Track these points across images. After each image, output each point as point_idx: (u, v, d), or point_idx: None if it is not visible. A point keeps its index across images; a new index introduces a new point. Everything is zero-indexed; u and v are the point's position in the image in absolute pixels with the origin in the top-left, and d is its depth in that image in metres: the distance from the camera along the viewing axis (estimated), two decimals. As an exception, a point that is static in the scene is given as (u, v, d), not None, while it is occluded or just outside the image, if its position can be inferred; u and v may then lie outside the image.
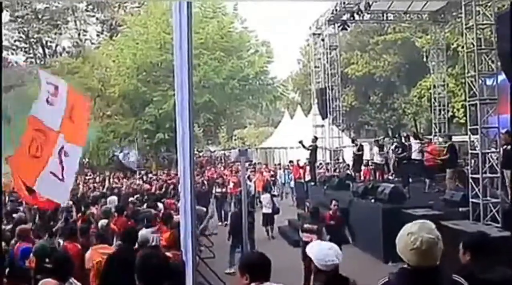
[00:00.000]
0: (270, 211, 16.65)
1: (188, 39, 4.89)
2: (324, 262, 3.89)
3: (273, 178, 26.06)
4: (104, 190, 18.25)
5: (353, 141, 20.85)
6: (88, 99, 8.30)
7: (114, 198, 12.46)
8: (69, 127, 7.42)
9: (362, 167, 21.27)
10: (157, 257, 4.18)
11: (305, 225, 10.29)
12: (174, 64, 4.97)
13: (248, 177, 21.37)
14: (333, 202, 12.82)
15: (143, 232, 8.03)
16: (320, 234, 9.76)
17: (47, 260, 6.07)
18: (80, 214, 11.42)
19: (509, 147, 11.75)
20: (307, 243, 8.70)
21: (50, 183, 7.07)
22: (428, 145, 16.95)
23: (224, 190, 20.49)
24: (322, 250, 3.93)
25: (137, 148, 35.85)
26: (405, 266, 3.18)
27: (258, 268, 3.76)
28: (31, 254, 6.89)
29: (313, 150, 20.62)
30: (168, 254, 6.60)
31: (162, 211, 11.42)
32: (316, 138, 21.17)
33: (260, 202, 17.56)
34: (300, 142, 20.53)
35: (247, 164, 13.56)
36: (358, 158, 20.03)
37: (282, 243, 15.63)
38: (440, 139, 21.17)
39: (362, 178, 20.63)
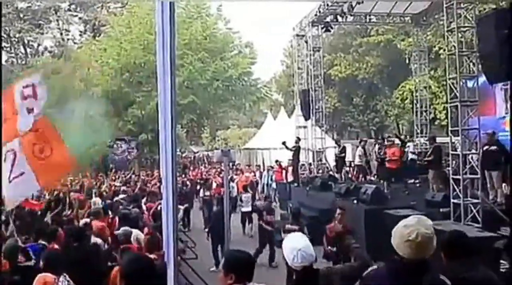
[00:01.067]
0: (249, 209, 16.91)
1: (171, 40, 4.88)
2: (292, 263, 3.82)
3: (255, 179, 25.99)
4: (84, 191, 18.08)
5: (336, 143, 20.90)
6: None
7: (97, 199, 12.34)
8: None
9: (345, 168, 21.35)
10: (143, 260, 4.13)
11: (287, 226, 10.38)
12: (156, 65, 4.97)
13: (231, 178, 21.40)
14: (338, 210, 9.93)
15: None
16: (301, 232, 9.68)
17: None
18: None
19: (493, 147, 11.88)
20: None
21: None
22: (389, 147, 16.81)
23: (208, 192, 20.34)
24: (291, 251, 3.83)
25: (121, 148, 35.56)
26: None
27: (244, 268, 3.65)
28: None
29: (296, 151, 20.65)
30: (151, 255, 6.60)
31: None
32: (299, 139, 21.22)
33: (241, 201, 17.67)
34: (283, 143, 20.54)
35: (230, 164, 13.73)
36: (340, 160, 20.11)
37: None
38: (422, 140, 21.36)
39: (344, 179, 20.70)
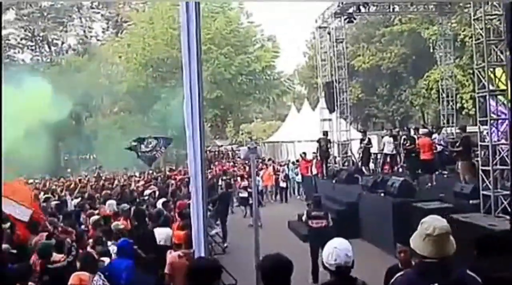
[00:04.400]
0: (246, 195, 19.67)
1: (197, 38, 4.87)
2: (327, 260, 3.83)
3: (278, 173, 25.94)
4: (114, 188, 18.24)
5: (363, 134, 20.73)
6: None
7: (112, 202, 12.42)
8: None
9: (371, 160, 21.19)
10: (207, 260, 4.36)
11: (313, 213, 11.27)
12: (181, 60, 4.96)
13: (256, 172, 21.45)
14: (399, 247, 6.68)
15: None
16: (327, 219, 11.04)
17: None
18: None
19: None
20: (317, 229, 10.95)
21: None
22: (421, 137, 16.64)
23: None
24: (328, 249, 3.85)
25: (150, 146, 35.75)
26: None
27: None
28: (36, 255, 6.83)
29: (325, 144, 20.69)
30: (178, 252, 6.63)
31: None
32: (326, 133, 21.22)
33: (240, 188, 20.97)
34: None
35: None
36: (366, 151, 19.93)
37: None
38: (449, 130, 21.07)
39: (371, 171, 20.53)
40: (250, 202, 18.48)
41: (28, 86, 15.09)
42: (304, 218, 11.54)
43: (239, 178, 22.63)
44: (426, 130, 18.07)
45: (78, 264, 6.44)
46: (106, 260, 6.93)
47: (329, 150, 21.30)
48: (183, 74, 4.93)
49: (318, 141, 21.22)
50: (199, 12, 4.83)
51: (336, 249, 3.77)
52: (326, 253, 3.83)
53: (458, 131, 18.99)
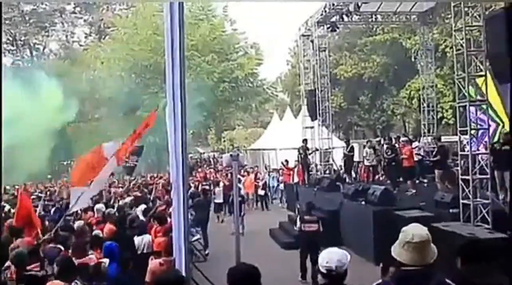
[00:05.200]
0: (221, 201, 20.84)
1: (180, 42, 4.85)
2: (320, 263, 3.85)
3: (258, 180, 25.92)
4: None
5: (345, 142, 20.86)
6: None
7: (101, 206, 12.30)
8: None
9: (353, 169, 21.32)
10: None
11: (305, 217, 11.80)
12: (164, 66, 4.94)
13: (238, 179, 21.53)
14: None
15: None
16: (318, 224, 11.63)
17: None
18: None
19: (506, 147, 11.79)
20: (309, 232, 11.54)
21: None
22: (403, 146, 16.87)
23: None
24: (324, 253, 3.87)
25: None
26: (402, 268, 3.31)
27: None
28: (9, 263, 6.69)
29: (304, 152, 20.76)
30: (159, 260, 6.57)
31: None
32: (305, 140, 21.30)
33: (215, 194, 21.33)
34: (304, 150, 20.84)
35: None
36: (349, 159, 20.04)
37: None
38: (428, 140, 21.25)
39: (353, 179, 20.65)
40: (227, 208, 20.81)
41: (9, 91, 14.94)
42: (298, 222, 11.97)
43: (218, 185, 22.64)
44: (406, 138, 18.27)
45: (56, 269, 6.30)
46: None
47: (308, 158, 21.35)
48: (166, 80, 4.92)
49: (298, 149, 21.32)
50: (182, 14, 4.82)
51: (330, 253, 3.79)
52: (321, 257, 3.85)
53: (431, 141, 19.25)
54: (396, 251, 3.36)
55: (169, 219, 8.77)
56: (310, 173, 21.60)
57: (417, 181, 17.16)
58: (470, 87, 11.47)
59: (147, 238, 8.96)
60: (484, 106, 11.62)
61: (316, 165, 22.93)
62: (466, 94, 11.38)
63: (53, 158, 40.38)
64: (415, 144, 18.78)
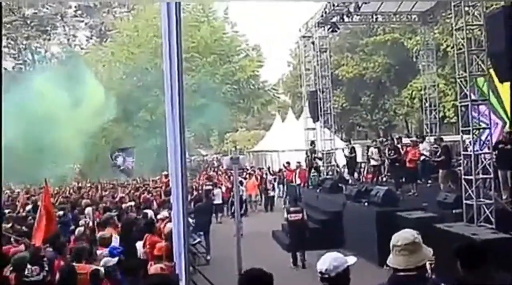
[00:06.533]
0: (220, 201, 21.54)
1: (178, 42, 4.81)
2: (317, 267, 3.81)
3: (267, 182, 25.91)
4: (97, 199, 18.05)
5: (348, 143, 20.80)
6: None
7: (89, 209, 12.28)
8: None
9: (356, 170, 21.27)
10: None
11: (291, 209, 13.70)
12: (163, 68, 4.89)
13: (240, 181, 21.66)
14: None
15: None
16: (303, 213, 13.49)
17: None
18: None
19: (508, 146, 11.75)
20: (294, 221, 13.36)
21: None
22: (412, 148, 16.87)
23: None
24: (321, 257, 3.83)
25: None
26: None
27: None
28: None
29: (311, 154, 20.82)
30: (160, 265, 6.51)
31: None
32: (312, 142, 21.31)
33: (214, 195, 21.08)
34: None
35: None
36: (351, 160, 19.98)
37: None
38: (432, 139, 21.19)
39: (356, 180, 20.59)
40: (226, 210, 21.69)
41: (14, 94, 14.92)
42: (285, 214, 13.83)
43: (224, 188, 22.70)
44: (413, 139, 18.25)
45: (58, 277, 6.28)
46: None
47: (316, 160, 21.28)
48: (164, 82, 4.87)
49: (306, 151, 21.42)
50: (180, 14, 4.78)
51: (325, 257, 3.73)
52: (319, 260, 3.81)
53: (434, 140, 19.22)
54: (389, 258, 3.41)
55: (169, 224, 8.70)
56: (313, 174, 21.51)
57: (420, 182, 17.10)
58: (484, 84, 11.45)
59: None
60: (488, 105, 11.59)
61: (319, 166, 22.88)
62: (468, 93, 11.32)
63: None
64: (421, 146, 18.62)
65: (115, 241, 8.43)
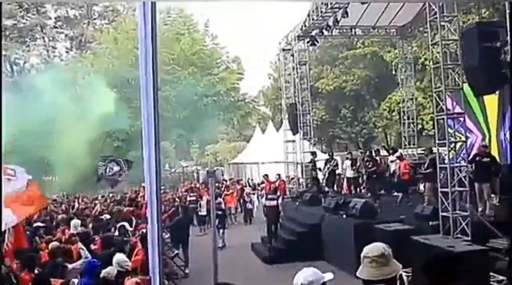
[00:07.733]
0: (205, 213, 21.04)
1: (153, 48, 4.78)
2: (294, 282, 3.81)
3: (246, 194, 25.89)
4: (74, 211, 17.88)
5: (329, 155, 20.78)
6: None
7: (77, 221, 12.16)
8: None
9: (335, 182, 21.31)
10: None
11: (269, 196, 17.54)
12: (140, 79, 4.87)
13: (219, 194, 21.61)
14: None
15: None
16: (277, 200, 17.35)
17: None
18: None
19: (485, 159, 11.91)
20: (271, 207, 16.74)
21: None
22: (401, 160, 17.11)
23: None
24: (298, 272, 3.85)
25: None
26: None
27: None
28: None
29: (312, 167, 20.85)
30: (135, 279, 6.47)
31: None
32: (315, 154, 21.32)
33: (200, 206, 21.71)
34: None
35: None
36: (332, 173, 19.98)
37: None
38: (415, 151, 21.39)
39: (335, 192, 20.60)
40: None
41: None
42: (263, 201, 17.46)
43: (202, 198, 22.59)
44: (398, 153, 18.43)
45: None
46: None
47: (317, 171, 21.00)
48: (141, 93, 4.85)
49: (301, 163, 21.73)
50: (155, 15, 4.78)
51: (303, 271, 3.72)
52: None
53: (420, 152, 19.41)
54: (359, 270, 3.43)
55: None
56: (292, 186, 21.51)
57: (395, 194, 17.24)
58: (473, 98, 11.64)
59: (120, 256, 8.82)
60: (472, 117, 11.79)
61: (298, 179, 22.92)
62: (444, 107, 11.47)
63: (33, 174, 39.88)
64: (397, 154, 18.69)
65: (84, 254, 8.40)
